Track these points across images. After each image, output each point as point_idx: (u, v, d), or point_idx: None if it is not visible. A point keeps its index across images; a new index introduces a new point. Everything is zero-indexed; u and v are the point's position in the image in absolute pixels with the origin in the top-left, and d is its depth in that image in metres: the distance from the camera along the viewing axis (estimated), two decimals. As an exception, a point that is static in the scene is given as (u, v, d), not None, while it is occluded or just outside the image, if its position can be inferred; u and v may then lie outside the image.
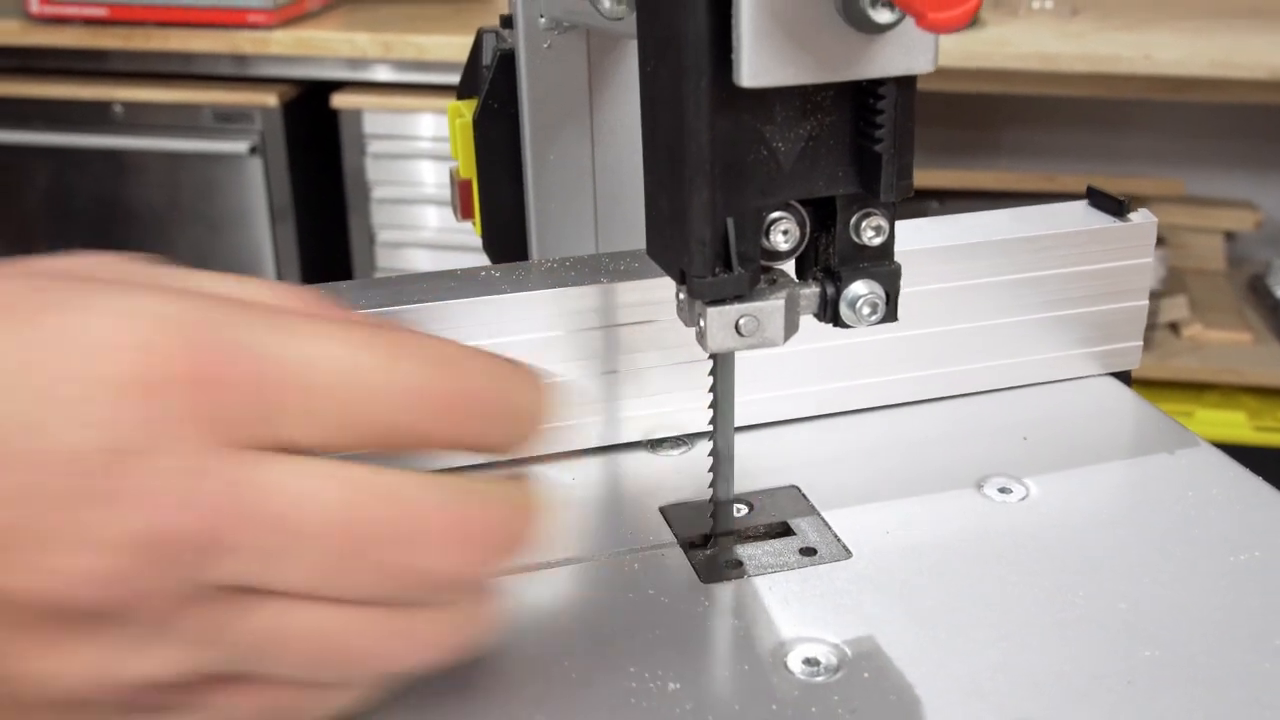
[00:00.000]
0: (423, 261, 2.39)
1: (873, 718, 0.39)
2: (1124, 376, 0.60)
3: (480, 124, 0.69)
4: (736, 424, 0.48)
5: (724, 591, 0.46)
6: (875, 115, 0.41)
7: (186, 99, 2.34)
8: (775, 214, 0.43)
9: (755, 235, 0.42)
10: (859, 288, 0.44)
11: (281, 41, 2.27)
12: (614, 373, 0.54)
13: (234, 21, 2.27)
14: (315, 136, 2.40)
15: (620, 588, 0.46)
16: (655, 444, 0.55)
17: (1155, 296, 2.20)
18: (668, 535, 0.49)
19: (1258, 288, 2.43)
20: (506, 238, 0.71)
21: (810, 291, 0.44)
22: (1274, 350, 2.29)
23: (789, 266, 0.44)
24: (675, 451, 0.55)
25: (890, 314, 0.44)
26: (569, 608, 0.45)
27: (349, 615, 0.34)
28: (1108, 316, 0.58)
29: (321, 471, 0.33)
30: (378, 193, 2.38)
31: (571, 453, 0.54)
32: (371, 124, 2.34)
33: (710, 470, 0.48)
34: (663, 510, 0.50)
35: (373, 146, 2.35)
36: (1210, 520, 0.49)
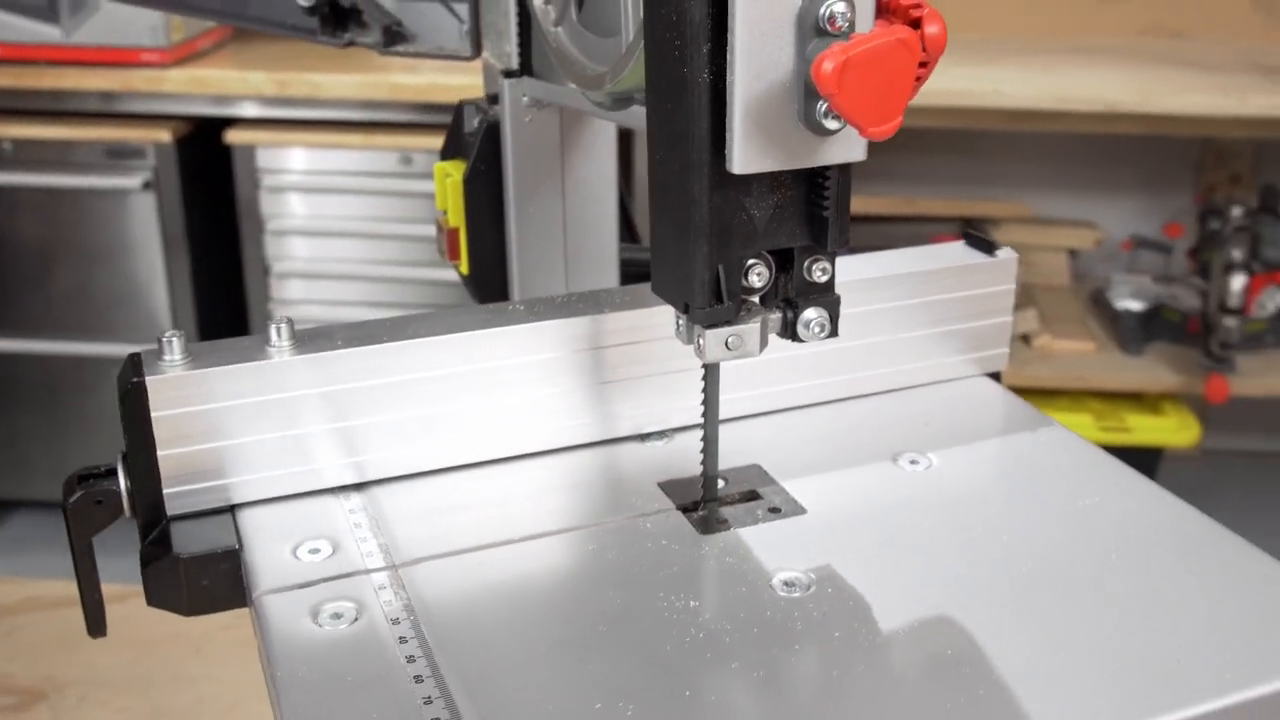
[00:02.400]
0: (320, 292, 2.50)
1: (839, 618, 0.55)
2: (995, 376, 0.77)
3: (470, 183, 0.84)
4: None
5: (717, 540, 0.61)
6: (823, 190, 0.57)
7: (79, 136, 2.40)
8: (751, 261, 0.59)
9: (738, 277, 0.58)
10: (811, 313, 0.60)
11: (176, 80, 2.35)
12: (609, 383, 0.69)
13: (128, 60, 2.34)
14: (209, 171, 2.49)
15: (640, 540, 0.61)
16: (643, 437, 0.71)
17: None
18: (666, 503, 0.65)
19: (1099, 300, 2.68)
20: (490, 276, 0.86)
21: (775, 316, 0.60)
22: (1115, 357, 2.53)
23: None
24: (660, 442, 0.70)
25: (833, 332, 0.60)
26: (605, 556, 0.60)
27: None
28: (982, 330, 0.76)
29: None
30: (272, 225, 2.47)
31: (577, 446, 0.69)
32: (265, 159, 2.43)
33: (702, 452, 0.64)
34: (661, 484, 0.66)
35: (267, 180, 2.44)
36: (1063, 475, 0.66)
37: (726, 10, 0.52)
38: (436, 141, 2.65)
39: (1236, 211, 2.48)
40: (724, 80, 0.53)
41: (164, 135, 2.40)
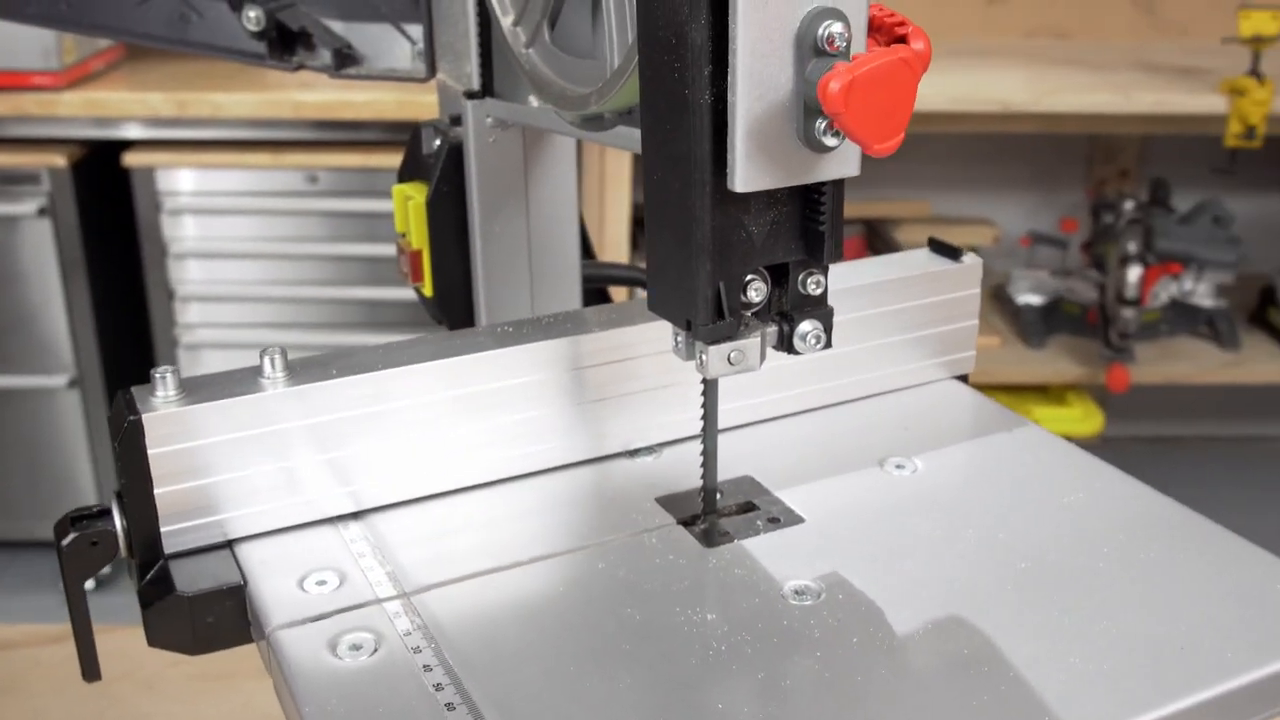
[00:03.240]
0: (227, 315, 2.45)
1: (853, 624, 0.57)
2: (963, 378, 0.79)
3: (433, 204, 0.84)
4: (699, 432, 0.65)
5: (723, 553, 0.62)
6: (819, 205, 0.59)
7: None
8: (749, 276, 0.60)
9: (738, 293, 0.59)
10: (806, 325, 0.61)
11: (71, 103, 2.30)
12: (597, 401, 0.70)
13: (18, 84, 2.28)
14: (108, 195, 2.44)
15: (647, 556, 0.62)
16: (632, 453, 0.71)
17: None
18: (666, 517, 0.65)
19: (1000, 296, 2.74)
20: (455, 297, 0.86)
21: (771, 330, 0.61)
22: (1019, 351, 2.60)
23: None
24: (650, 457, 0.71)
25: (829, 343, 0.62)
26: (615, 573, 0.61)
27: None
28: (950, 334, 0.78)
29: None
30: (175, 249, 2.42)
31: (568, 465, 0.70)
32: (165, 181, 2.39)
33: (701, 466, 0.65)
34: (659, 499, 0.67)
35: (168, 203, 2.40)
36: (1045, 473, 0.69)
37: (727, 33, 0.53)
38: (343, 159, 2.61)
39: (1128, 205, 2.56)
40: (724, 101, 0.54)
41: (59, 160, 2.34)
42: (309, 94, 2.27)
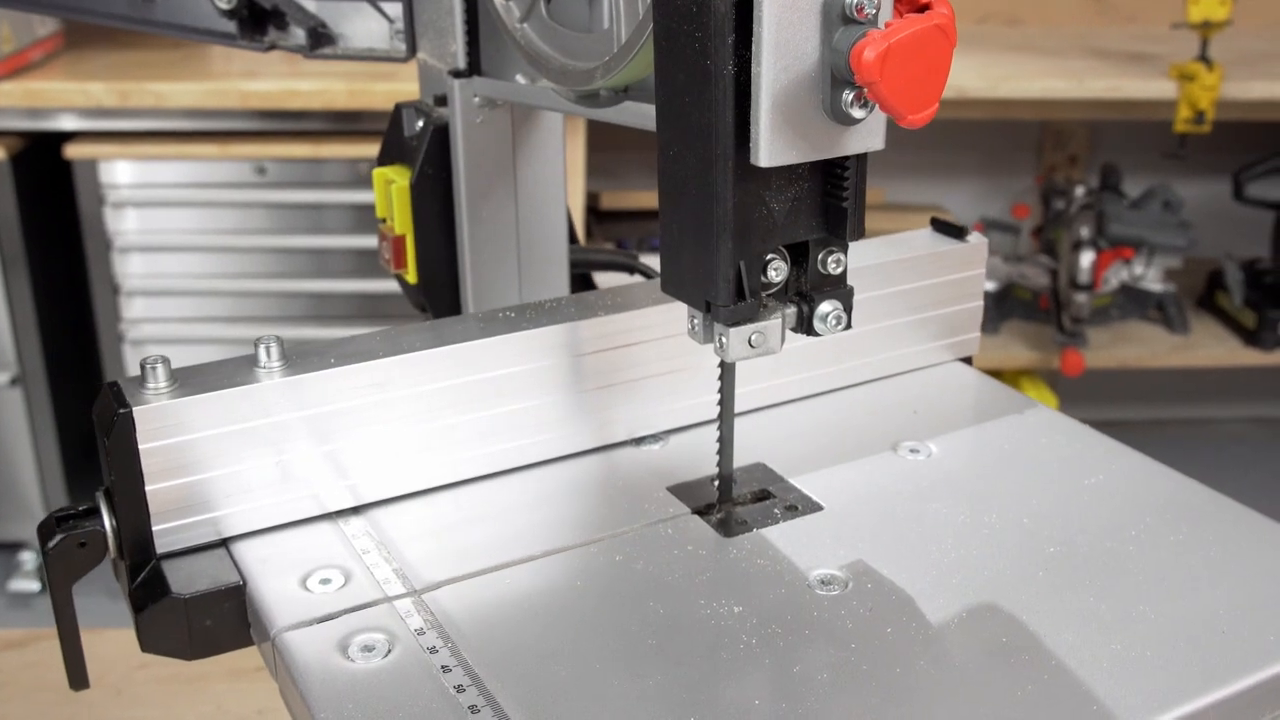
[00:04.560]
0: (173, 309, 2.40)
1: (885, 614, 0.55)
2: (967, 360, 0.78)
3: (417, 188, 0.81)
4: (705, 418, 0.63)
5: (743, 542, 0.60)
6: (842, 181, 0.56)
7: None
8: (770, 255, 0.58)
9: (758, 272, 0.57)
10: (826, 306, 0.59)
11: (9, 94, 2.23)
12: (602, 388, 0.67)
13: (-47, 76, 2.22)
14: (48, 187, 2.37)
15: (665, 547, 0.60)
16: (638, 440, 0.69)
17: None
18: (680, 507, 0.63)
19: (950, 281, 2.74)
20: (440, 283, 0.83)
21: (790, 311, 0.59)
22: (967, 335, 2.60)
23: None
24: (656, 445, 0.69)
25: (849, 324, 0.60)
26: (634, 566, 0.58)
27: None
28: (955, 315, 0.76)
29: None
30: (119, 242, 2.36)
31: (573, 454, 0.67)
32: (108, 173, 2.33)
33: (718, 453, 0.62)
34: (670, 488, 0.64)
35: (111, 195, 2.34)
36: (1062, 456, 0.67)
37: (750, 1, 0.51)
38: (291, 149, 2.55)
39: (1080, 191, 2.57)
40: (747, 72, 0.52)
41: (-5, 152, 2.27)
42: (255, 83, 2.21)
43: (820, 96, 0.53)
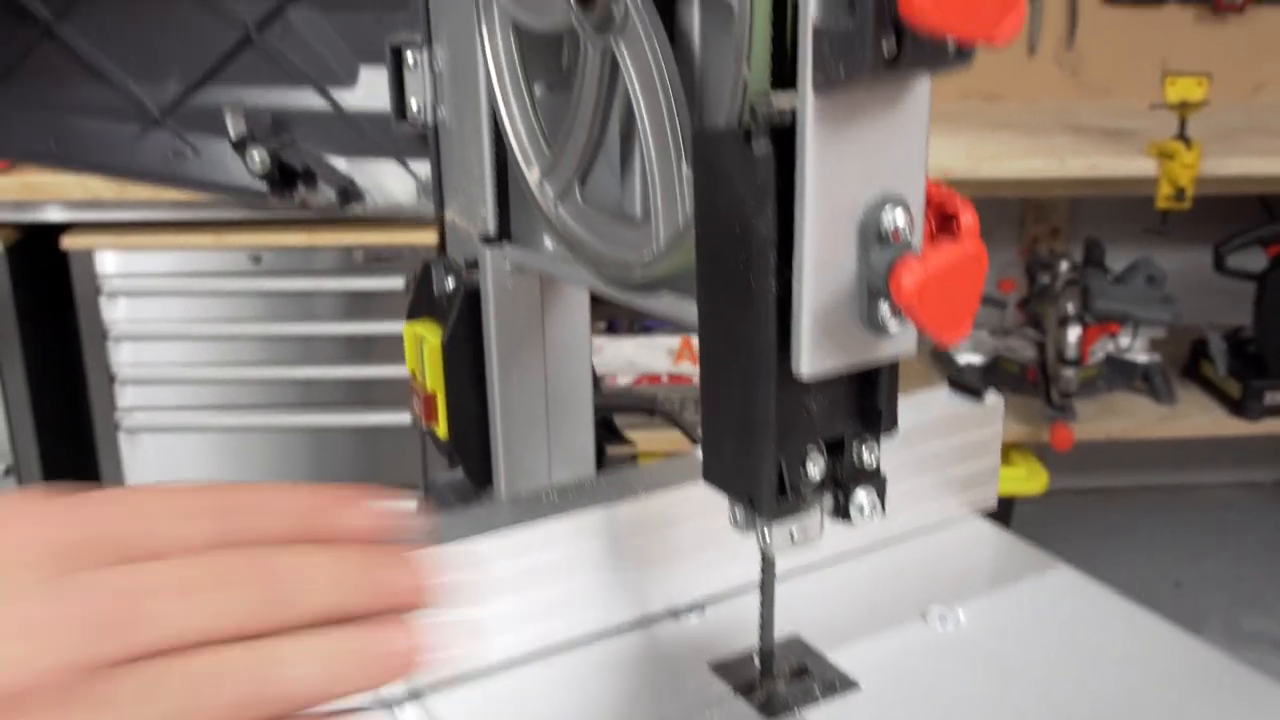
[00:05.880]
0: (171, 398, 2.41)
1: (929, 803, 0.57)
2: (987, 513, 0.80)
3: (449, 349, 0.83)
4: (742, 584, 0.65)
5: (788, 724, 0.62)
6: (876, 383, 0.59)
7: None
8: (808, 445, 0.60)
9: (799, 469, 0.59)
10: (861, 495, 0.61)
11: (5, 186, 2.25)
12: (643, 564, 0.69)
13: (-52, 170, 2.23)
14: (43, 278, 2.39)
15: (711, 733, 0.62)
16: (676, 613, 0.71)
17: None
18: (720, 686, 0.65)
19: (941, 356, 2.76)
20: (470, 440, 0.86)
21: (827, 500, 0.62)
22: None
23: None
24: (695, 618, 0.71)
25: (884, 511, 0.62)
26: (683, 754, 0.60)
27: (264, 647, 0.37)
28: (973, 472, 0.79)
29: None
30: (115, 331, 2.38)
31: (611, 632, 0.69)
32: (103, 263, 2.34)
33: (761, 627, 0.65)
34: (712, 666, 0.67)
35: (107, 285, 2.35)
36: (1087, 624, 0.70)
37: (791, 223, 0.53)
38: (286, 238, 2.56)
39: (1064, 266, 2.62)
40: (788, 289, 0.55)
41: (-10, 244, 2.29)
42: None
43: (857, 309, 0.55)
